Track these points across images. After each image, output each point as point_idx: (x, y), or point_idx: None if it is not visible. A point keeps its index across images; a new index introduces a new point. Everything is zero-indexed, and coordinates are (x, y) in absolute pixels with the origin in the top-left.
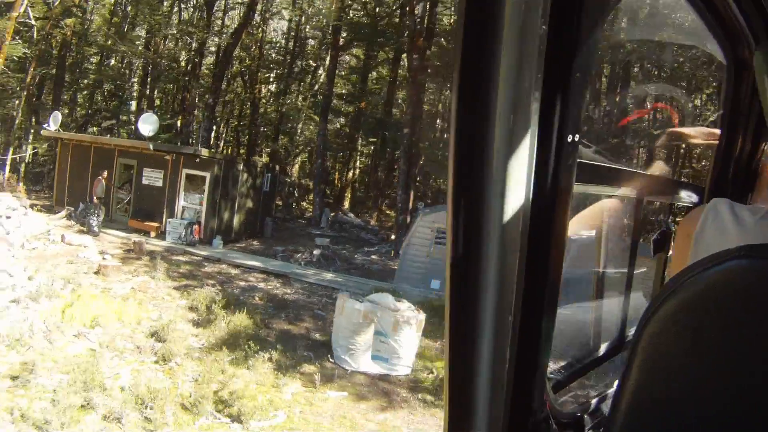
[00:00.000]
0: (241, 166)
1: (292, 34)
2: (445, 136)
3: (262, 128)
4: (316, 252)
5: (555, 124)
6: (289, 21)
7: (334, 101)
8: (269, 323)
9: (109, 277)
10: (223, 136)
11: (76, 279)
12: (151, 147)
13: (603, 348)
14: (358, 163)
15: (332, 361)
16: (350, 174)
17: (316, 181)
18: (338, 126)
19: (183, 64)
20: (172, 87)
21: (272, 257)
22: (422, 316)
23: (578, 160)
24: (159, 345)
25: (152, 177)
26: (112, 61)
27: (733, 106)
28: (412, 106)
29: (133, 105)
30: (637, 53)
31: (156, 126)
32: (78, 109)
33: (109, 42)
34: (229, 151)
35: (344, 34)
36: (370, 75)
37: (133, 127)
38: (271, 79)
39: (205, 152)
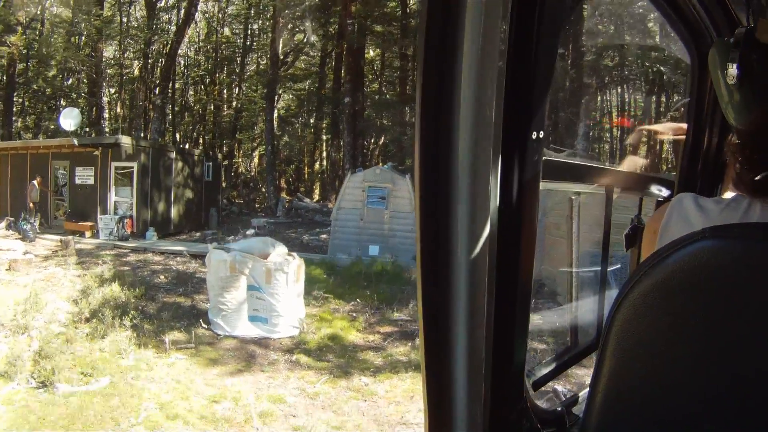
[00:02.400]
0: (173, 155)
1: (241, 26)
2: (387, 96)
3: (221, 125)
4: (249, 233)
5: (519, 122)
6: (237, 15)
7: (282, 86)
8: (155, 296)
9: (19, 271)
10: (179, 137)
11: None
12: (76, 142)
13: (582, 344)
14: (324, 151)
15: (206, 327)
16: (317, 164)
17: (268, 169)
18: (290, 113)
19: (133, 66)
20: (118, 91)
21: (205, 243)
22: (298, 261)
23: (545, 157)
24: (23, 320)
25: (84, 175)
26: (53, 72)
27: (698, 100)
28: (350, 73)
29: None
30: (603, 52)
31: (78, 120)
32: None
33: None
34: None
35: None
36: (312, 53)
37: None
38: (225, 77)
39: (126, 140)
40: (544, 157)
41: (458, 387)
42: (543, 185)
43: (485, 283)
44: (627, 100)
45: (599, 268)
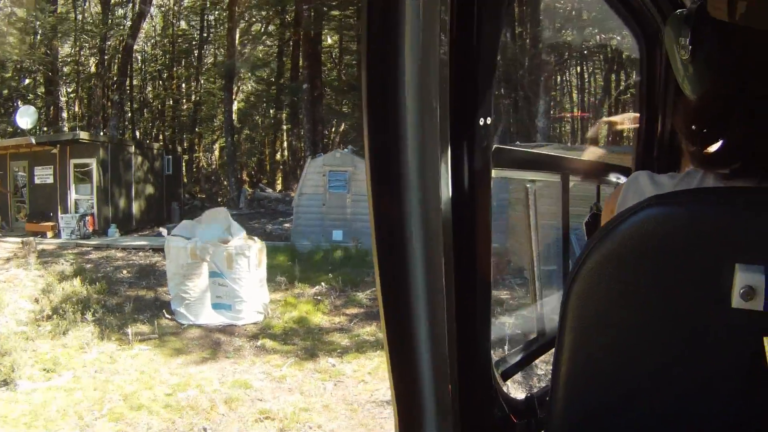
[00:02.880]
0: (132, 149)
1: (197, 18)
2: (346, 82)
3: (180, 119)
4: None
5: (465, 109)
6: (192, 7)
7: (240, 78)
8: (118, 291)
9: None
10: (139, 134)
11: None
12: (33, 140)
13: (548, 333)
14: (284, 141)
15: (169, 317)
16: (278, 155)
17: (228, 161)
18: (250, 104)
19: (89, 64)
20: (76, 89)
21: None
22: (259, 245)
23: (498, 145)
24: None
25: (43, 174)
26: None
27: (648, 84)
28: (308, 59)
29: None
30: (550, 40)
31: (34, 118)
32: None
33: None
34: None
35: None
36: (268, 41)
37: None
38: (182, 71)
39: (84, 135)
40: (497, 145)
41: (425, 382)
42: (496, 173)
43: (442, 275)
44: (577, 83)
45: (560, 258)
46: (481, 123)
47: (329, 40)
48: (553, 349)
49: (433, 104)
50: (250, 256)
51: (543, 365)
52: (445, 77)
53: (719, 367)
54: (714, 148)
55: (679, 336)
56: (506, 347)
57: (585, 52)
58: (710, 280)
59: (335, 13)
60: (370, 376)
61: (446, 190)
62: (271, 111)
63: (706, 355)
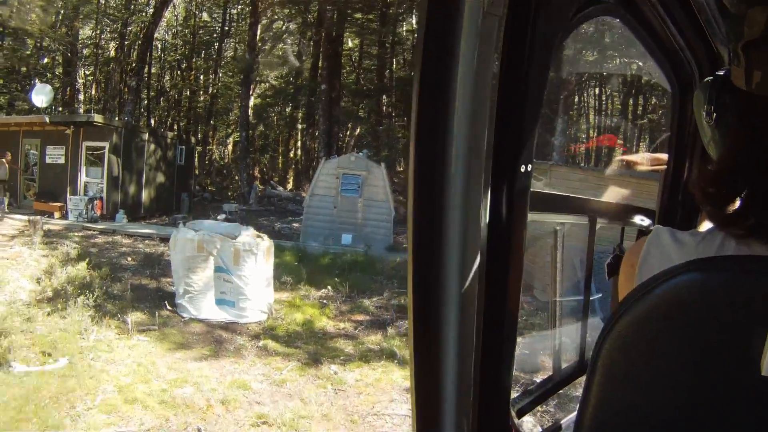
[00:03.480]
0: (146, 136)
1: (220, 11)
2: (365, 86)
3: (196, 110)
4: (220, 217)
5: (508, 156)
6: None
7: (257, 73)
8: (121, 278)
9: None
10: (153, 122)
11: None
12: (47, 119)
13: (564, 372)
14: (299, 140)
15: (171, 309)
16: (292, 153)
17: (241, 156)
18: (267, 101)
19: (109, 48)
20: (93, 72)
21: (175, 226)
22: (267, 242)
23: (531, 189)
24: None
25: (55, 154)
26: (28, 51)
27: (679, 130)
28: (328, 60)
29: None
30: (588, 83)
31: (50, 97)
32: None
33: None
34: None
35: None
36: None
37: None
38: (201, 62)
39: (99, 118)
40: (532, 190)
41: (446, 418)
42: (530, 216)
43: (474, 313)
44: (611, 124)
45: (581, 297)
46: (522, 170)
47: (350, 43)
48: (570, 387)
49: (481, 148)
50: (258, 253)
51: (559, 402)
52: (492, 121)
53: None
54: (729, 208)
55: (708, 402)
56: (522, 384)
57: (605, 74)
58: (742, 346)
59: (358, 16)
60: (372, 387)
61: (484, 230)
62: (287, 109)
63: (734, 422)
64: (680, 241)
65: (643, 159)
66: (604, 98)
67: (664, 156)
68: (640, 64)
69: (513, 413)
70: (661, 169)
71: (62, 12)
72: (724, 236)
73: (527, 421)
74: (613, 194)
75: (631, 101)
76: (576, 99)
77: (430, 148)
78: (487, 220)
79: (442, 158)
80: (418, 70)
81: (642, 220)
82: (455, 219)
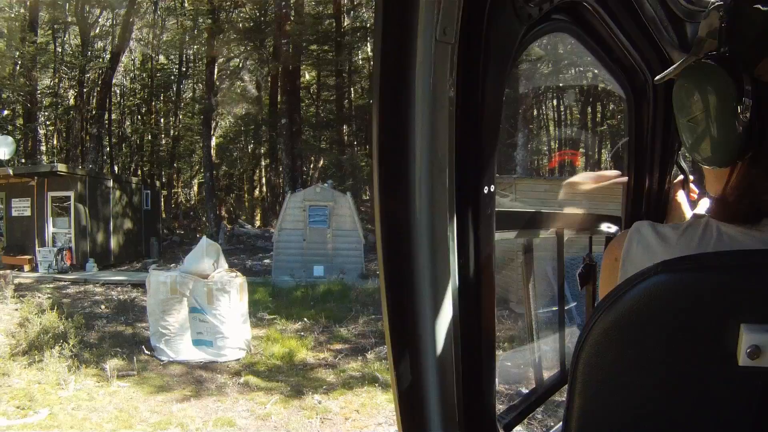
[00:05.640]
0: (111, 183)
1: (176, 53)
2: (324, 117)
3: (159, 154)
4: None
5: (471, 178)
6: (171, 41)
7: (217, 113)
8: (96, 326)
9: None
10: (117, 168)
11: None
12: (11, 171)
13: (547, 383)
14: (263, 177)
15: (148, 353)
16: (257, 191)
17: (207, 196)
18: (228, 139)
19: (68, 96)
20: (54, 122)
21: (146, 272)
22: (240, 279)
23: (498, 209)
24: None
25: (20, 207)
26: None
27: (637, 135)
28: (287, 94)
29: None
30: (546, 95)
31: (12, 148)
32: None
33: None
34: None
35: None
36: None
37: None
38: (161, 105)
39: (62, 168)
40: (498, 209)
41: None
42: (498, 236)
43: (452, 335)
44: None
45: (556, 308)
46: (486, 191)
47: (307, 76)
48: (551, 398)
49: (444, 172)
50: (231, 290)
51: (544, 414)
52: (453, 145)
53: (727, 424)
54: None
55: (688, 396)
56: (506, 399)
57: (561, 85)
58: (717, 340)
59: (313, 47)
60: (357, 413)
61: (453, 254)
62: (249, 147)
63: (715, 413)
64: (661, 234)
65: (587, 178)
66: (562, 109)
67: (611, 172)
68: (596, 72)
69: (500, 429)
70: (609, 184)
71: (19, 62)
72: (705, 226)
73: None
74: (578, 202)
75: (589, 109)
76: (535, 112)
77: (393, 175)
78: (455, 244)
79: (405, 184)
80: (377, 98)
81: (609, 227)
82: (423, 244)
